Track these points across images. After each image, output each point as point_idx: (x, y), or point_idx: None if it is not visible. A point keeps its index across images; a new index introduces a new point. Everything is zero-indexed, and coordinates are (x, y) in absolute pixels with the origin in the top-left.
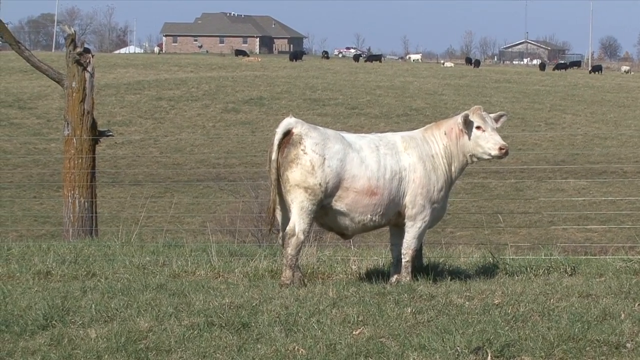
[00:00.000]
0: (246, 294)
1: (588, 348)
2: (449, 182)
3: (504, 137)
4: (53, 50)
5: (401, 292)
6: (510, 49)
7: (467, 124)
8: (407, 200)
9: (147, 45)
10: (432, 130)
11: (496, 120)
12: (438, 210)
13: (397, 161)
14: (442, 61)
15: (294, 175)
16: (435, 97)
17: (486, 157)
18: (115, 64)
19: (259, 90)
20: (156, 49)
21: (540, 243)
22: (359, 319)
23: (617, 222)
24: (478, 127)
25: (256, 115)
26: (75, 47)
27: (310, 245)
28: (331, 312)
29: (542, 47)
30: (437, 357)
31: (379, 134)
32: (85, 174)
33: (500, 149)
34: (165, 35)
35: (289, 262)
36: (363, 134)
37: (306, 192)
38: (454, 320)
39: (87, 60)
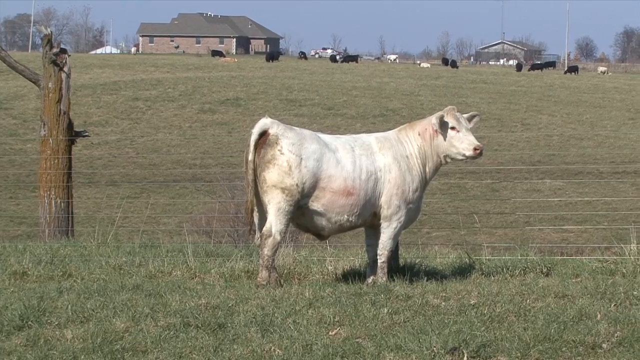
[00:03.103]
0: (222, 294)
1: (564, 348)
2: (424, 183)
3: (480, 138)
4: (29, 50)
5: (377, 292)
6: (486, 50)
7: (443, 125)
8: (383, 200)
9: (123, 46)
10: (406, 130)
11: (469, 120)
12: (413, 211)
13: (373, 162)
14: (418, 62)
15: (271, 175)
16: (412, 97)
17: (460, 157)
18: (91, 64)
19: (236, 91)
20: (133, 50)
21: (516, 243)
22: (335, 320)
23: (593, 222)
24: (452, 128)
25: (232, 115)
26: (51, 47)
27: (287, 246)
28: (307, 312)
29: (518, 48)
30: (414, 357)
31: (354, 135)
32: (61, 174)
33: (475, 149)
34: (142, 36)
35: (265, 262)
36: (338, 135)
37: (283, 192)
38: (430, 321)
39: (64, 61)
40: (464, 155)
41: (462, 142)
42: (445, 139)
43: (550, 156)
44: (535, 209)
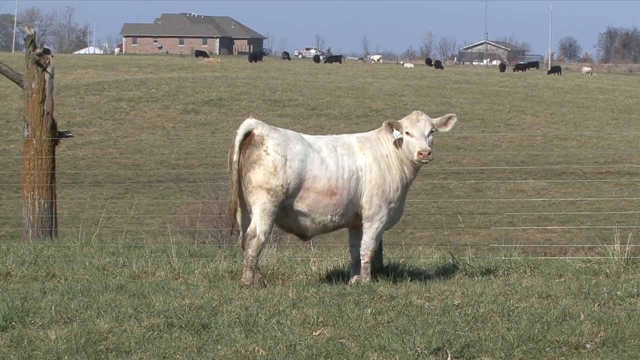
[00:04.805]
0: (206, 295)
1: (548, 349)
2: (404, 182)
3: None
4: (13, 51)
5: (361, 293)
6: (469, 50)
7: (388, 130)
8: (364, 200)
9: (106, 46)
10: (385, 130)
11: (444, 123)
12: (395, 211)
13: (354, 161)
14: (402, 62)
15: (257, 176)
16: (396, 98)
17: (414, 161)
18: (75, 64)
19: (219, 91)
20: (116, 50)
21: (499, 244)
22: (319, 320)
23: (576, 222)
24: (407, 133)
25: (216, 116)
26: (35, 47)
27: (270, 246)
28: (291, 313)
29: (501, 48)
30: (397, 357)
31: (335, 135)
32: (45, 174)
33: (419, 153)
34: (125, 36)
35: (249, 263)
36: (319, 136)
37: (268, 193)
38: (414, 321)
39: (47, 61)
40: (412, 159)
41: (414, 147)
42: (403, 143)
43: (533, 156)
44: (518, 209)
